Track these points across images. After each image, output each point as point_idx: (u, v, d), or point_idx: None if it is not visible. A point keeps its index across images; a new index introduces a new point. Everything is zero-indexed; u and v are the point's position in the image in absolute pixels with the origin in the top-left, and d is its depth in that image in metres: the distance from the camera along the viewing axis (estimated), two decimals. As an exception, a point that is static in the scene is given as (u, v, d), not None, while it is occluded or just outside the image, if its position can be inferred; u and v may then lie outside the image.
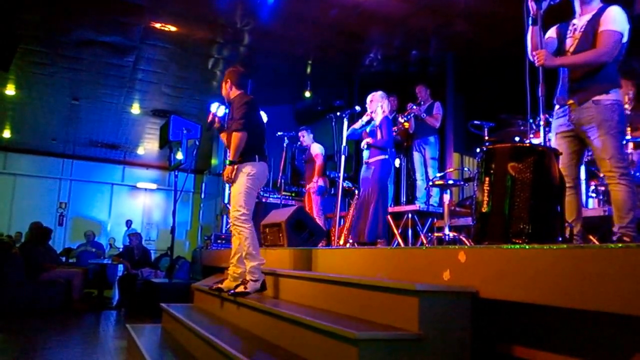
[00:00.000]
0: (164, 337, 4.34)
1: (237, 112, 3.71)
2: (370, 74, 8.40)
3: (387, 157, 5.01)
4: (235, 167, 3.65)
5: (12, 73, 8.70)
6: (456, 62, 7.62)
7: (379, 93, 5.19)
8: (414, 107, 6.27)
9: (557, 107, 3.15)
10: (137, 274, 8.35)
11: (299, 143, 7.32)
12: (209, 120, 4.05)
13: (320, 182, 6.62)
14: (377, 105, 5.12)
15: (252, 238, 3.59)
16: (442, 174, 5.73)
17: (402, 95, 6.52)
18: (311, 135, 7.10)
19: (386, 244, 4.75)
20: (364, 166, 5.15)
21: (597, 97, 2.91)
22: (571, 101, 3.02)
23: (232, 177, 3.64)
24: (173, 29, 7.18)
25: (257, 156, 3.70)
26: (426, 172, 6.23)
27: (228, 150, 3.90)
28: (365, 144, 5.09)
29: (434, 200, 5.95)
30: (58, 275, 7.61)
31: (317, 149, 6.78)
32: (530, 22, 3.06)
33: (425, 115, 6.22)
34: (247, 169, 3.66)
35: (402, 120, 6.29)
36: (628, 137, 3.95)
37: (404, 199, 6.84)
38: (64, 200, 15.27)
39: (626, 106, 4.20)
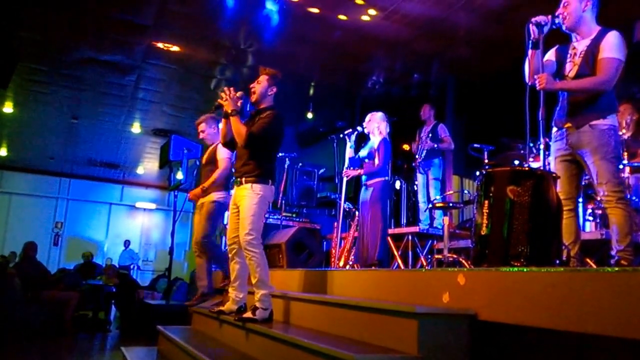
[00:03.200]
0: (160, 360, 4.29)
1: (262, 125, 3.51)
2: (372, 96, 8.49)
3: (386, 178, 5.01)
4: (242, 184, 3.50)
5: (11, 90, 8.71)
6: (457, 86, 7.72)
7: (379, 114, 5.19)
8: (427, 141, 6.27)
9: (554, 129, 3.18)
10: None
11: (300, 164, 7.23)
12: (232, 97, 3.59)
13: (219, 195, 4.98)
14: (374, 126, 5.11)
15: (264, 264, 3.46)
16: (441, 196, 5.75)
17: (403, 118, 6.58)
18: (214, 128, 5.29)
19: (380, 267, 4.73)
20: (362, 188, 5.15)
21: (593, 122, 2.94)
22: (569, 124, 3.05)
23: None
24: (176, 49, 7.26)
25: (270, 180, 3.58)
26: (428, 194, 6.24)
27: (221, 136, 3.80)
28: (358, 173, 5.08)
29: (438, 222, 5.93)
30: (53, 297, 7.55)
31: (224, 152, 5.03)
32: (530, 45, 3.09)
33: (437, 145, 6.24)
34: (260, 190, 3.49)
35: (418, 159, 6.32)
36: (625, 161, 3.98)
37: (405, 221, 6.84)
38: (60, 219, 15.18)
39: (624, 131, 4.24)
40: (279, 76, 3.77)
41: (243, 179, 3.55)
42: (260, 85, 3.71)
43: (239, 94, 3.67)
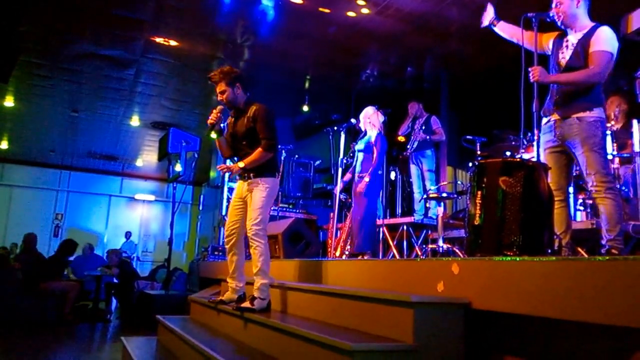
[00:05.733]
0: (160, 349, 4.29)
1: (266, 128, 3.55)
2: (366, 89, 8.53)
3: (379, 171, 5.08)
4: (251, 178, 3.54)
5: (12, 85, 8.75)
6: (450, 79, 7.77)
7: (370, 109, 5.28)
8: (420, 133, 6.33)
9: (544, 120, 3.22)
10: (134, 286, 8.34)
11: (296, 156, 7.34)
12: (212, 121, 3.65)
13: None
14: (367, 121, 5.21)
15: (267, 255, 3.52)
16: (436, 187, 5.81)
17: (397, 110, 6.63)
18: None
19: (372, 257, 4.78)
20: (355, 179, 5.22)
21: (580, 114, 2.99)
22: (555, 115, 3.10)
23: (234, 174, 3.55)
24: (174, 43, 7.28)
25: (276, 172, 3.64)
26: (424, 185, 6.30)
27: (222, 152, 3.81)
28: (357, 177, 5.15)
29: (433, 212, 6.00)
30: (53, 288, 7.60)
31: None
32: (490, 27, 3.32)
33: (429, 137, 6.30)
34: (269, 184, 3.55)
35: (408, 148, 6.39)
36: (614, 152, 4.03)
37: (400, 211, 6.90)
38: (61, 211, 15.24)
39: (612, 122, 4.29)
40: (234, 72, 3.69)
41: (252, 174, 3.57)
42: (225, 94, 3.65)
43: (219, 109, 3.69)
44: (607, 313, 1.67)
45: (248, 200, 3.57)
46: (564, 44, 3.17)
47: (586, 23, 3.12)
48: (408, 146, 6.35)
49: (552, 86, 3.18)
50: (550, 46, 3.26)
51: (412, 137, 6.33)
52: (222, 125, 3.78)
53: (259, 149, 3.53)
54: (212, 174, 12.09)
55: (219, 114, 3.67)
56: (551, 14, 3.12)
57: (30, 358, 4.91)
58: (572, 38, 3.14)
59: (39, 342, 5.81)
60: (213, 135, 3.71)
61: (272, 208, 7.07)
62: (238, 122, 3.70)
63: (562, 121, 3.06)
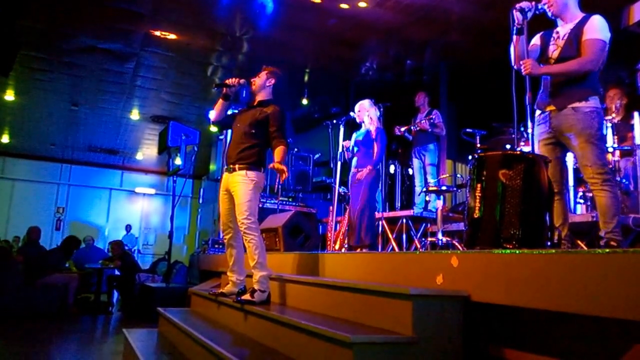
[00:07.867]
0: (161, 341, 4.30)
1: (281, 129, 3.74)
2: (366, 82, 8.51)
3: (378, 165, 5.07)
4: (236, 171, 3.63)
5: (12, 79, 8.76)
6: (449, 72, 7.74)
7: (366, 102, 5.24)
8: (423, 122, 6.35)
9: (537, 112, 3.19)
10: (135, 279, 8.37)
11: (295, 149, 7.35)
12: (228, 82, 3.84)
13: None
14: (365, 114, 5.17)
15: (262, 247, 3.56)
16: (436, 180, 5.80)
17: (396, 103, 6.62)
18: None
19: (371, 250, 4.79)
20: (352, 172, 5.21)
21: (575, 104, 2.95)
22: (552, 107, 3.07)
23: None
24: (173, 36, 7.27)
25: (262, 167, 3.71)
26: (425, 179, 6.31)
27: (217, 113, 3.89)
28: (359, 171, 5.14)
29: (432, 205, 6.01)
30: (55, 280, 7.62)
31: None
32: (515, 32, 3.12)
33: (431, 129, 6.31)
34: (255, 177, 3.61)
35: (403, 132, 6.41)
36: (615, 145, 4.02)
37: (399, 205, 6.90)
38: (62, 205, 15.30)
39: (613, 115, 4.28)
40: (279, 72, 3.96)
41: (237, 166, 3.62)
42: (260, 78, 3.90)
43: (241, 81, 3.84)
44: (605, 305, 1.67)
45: (234, 194, 3.61)
46: (554, 36, 3.15)
47: (577, 13, 3.10)
48: (412, 128, 6.38)
49: (545, 79, 3.16)
50: (539, 43, 3.23)
51: (413, 126, 6.35)
52: (234, 91, 3.91)
53: (282, 146, 3.68)
54: (212, 167, 12.09)
55: (239, 82, 3.84)
56: (540, 6, 3.10)
57: (34, 349, 4.93)
58: (562, 30, 3.12)
59: (42, 333, 5.84)
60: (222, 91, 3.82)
61: (272, 201, 7.10)
62: (250, 111, 3.83)
63: (557, 112, 3.03)
